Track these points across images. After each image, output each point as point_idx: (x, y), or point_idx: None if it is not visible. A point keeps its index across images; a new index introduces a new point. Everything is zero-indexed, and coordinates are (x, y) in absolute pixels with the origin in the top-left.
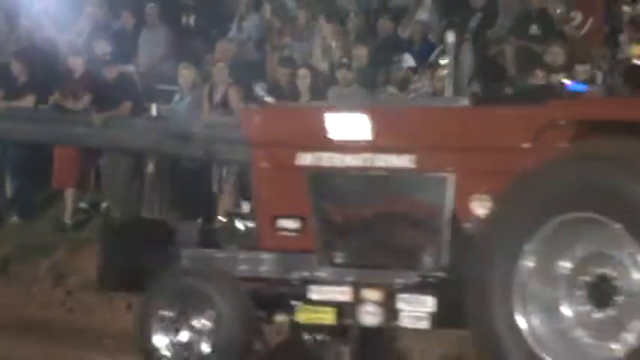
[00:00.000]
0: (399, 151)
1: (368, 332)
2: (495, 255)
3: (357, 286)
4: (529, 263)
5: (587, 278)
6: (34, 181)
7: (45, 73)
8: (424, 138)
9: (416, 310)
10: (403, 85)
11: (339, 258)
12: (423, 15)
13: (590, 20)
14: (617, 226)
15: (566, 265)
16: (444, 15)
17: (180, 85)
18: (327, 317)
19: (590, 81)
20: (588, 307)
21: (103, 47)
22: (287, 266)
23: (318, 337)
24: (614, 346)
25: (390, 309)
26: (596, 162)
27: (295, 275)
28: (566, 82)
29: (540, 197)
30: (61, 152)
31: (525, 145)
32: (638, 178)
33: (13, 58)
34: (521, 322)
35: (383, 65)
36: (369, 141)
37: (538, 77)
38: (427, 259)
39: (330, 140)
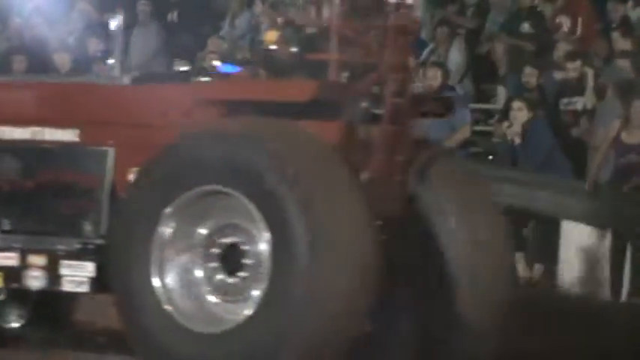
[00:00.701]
0: (65, 125)
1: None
2: (137, 220)
3: (23, 252)
4: (168, 229)
5: (220, 246)
6: None
7: (38, 70)
8: (87, 113)
9: (77, 275)
10: None
11: (7, 225)
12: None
13: (580, 21)
14: (244, 198)
15: (202, 232)
16: (436, 12)
17: None
18: None
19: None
20: (219, 273)
21: (95, 45)
22: None
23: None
24: (238, 310)
25: (53, 274)
26: (221, 138)
27: None
28: (218, 63)
29: (175, 170)
30: None
31: (176, 122)
32: (257, 153)
33: (14, 53)
34: (156, 283)
35: None
36: (36, 115)
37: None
38: (88, 227)
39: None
